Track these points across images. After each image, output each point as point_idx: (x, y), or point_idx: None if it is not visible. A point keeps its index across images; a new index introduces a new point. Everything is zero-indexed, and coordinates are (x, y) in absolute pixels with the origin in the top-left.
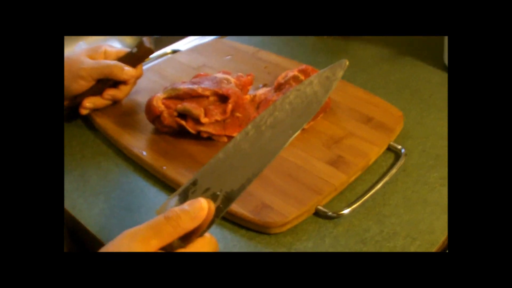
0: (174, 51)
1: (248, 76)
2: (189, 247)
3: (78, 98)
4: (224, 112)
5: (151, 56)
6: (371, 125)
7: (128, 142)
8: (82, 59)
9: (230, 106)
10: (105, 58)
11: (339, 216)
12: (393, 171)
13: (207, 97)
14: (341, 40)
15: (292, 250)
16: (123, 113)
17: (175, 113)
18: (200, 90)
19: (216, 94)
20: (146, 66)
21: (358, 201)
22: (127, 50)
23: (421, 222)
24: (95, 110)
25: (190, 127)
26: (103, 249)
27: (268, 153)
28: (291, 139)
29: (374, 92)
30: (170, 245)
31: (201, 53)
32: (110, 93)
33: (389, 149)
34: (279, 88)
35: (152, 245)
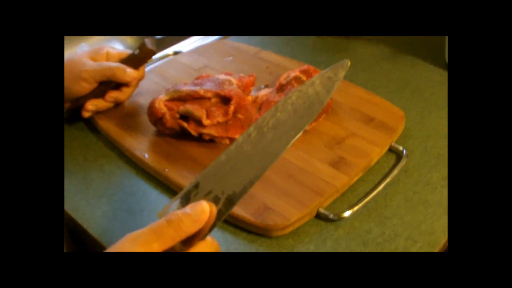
0: (176, 53)
1: (250, 77)
2: (191, 250)
3: (81, 101)
4: (226, 113)
5: (153, 57)
6: (373, 125)
7: (130, 144)
8: (84, 61)
9: (232, 108)
10: (107, 60)
11: (340, 219)
12: (395, 172)
13: (209, 98)
14: (342, 40)
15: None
16: (125, 115)
17: (177, 115)
18: (202, 92)
19: (218, 95)
20: (148, 67)
21: (360, 202)
22: (129, 52)
23: (422, 223)
24: (97, 112)
25: (192, 129)
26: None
27: (270, 154)
28: (293, 140)
29: (375, 91)
30: (172, 249)
31: (202, 54)
32: (113, 95)
33: (391, 150)
34: (281, 89)
35: (154, 249)
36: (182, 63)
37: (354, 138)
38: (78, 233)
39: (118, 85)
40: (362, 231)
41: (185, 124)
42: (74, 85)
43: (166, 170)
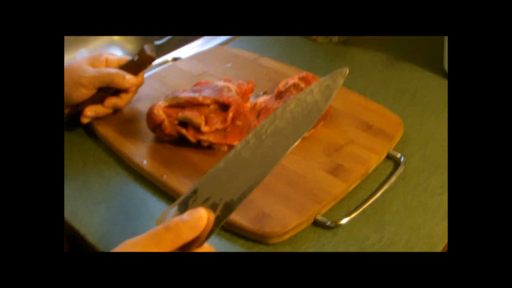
0: (175, 59)
1: (249, 83)
2: None
3: (80, 106)
4: (224, 120)
5: (152, 63)
6: (371, 132)
7: (129, 150)
8: (83, 67)
9: (230, 115)
10: (107, 66)
11: (338, 226)
12: (392, 179)
13: (208, 105)
14: (340, 46)
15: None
16: (124, 121)
17: (176, 122)
18: (201, 99)
19: (217, 102)
20: (147, 73)
21: (357, 209)
22: (129, 58)
23: (420, 229)
24: (96, 118)
25: (190, 135)
26: None
27: (268, 162)
28: (291, 148)
29: (373, 98)
30: None
31: (202, 60)
32: (112, 101)
33: (389, 156)
34: (279, 96)
35: None
36: (182, 69)
37: (352, 145)
38: (77, 240)
39: (117, 91)
40: (360, 238)
41: (183, 131)
42: (73, 91)
43: (165, 176)
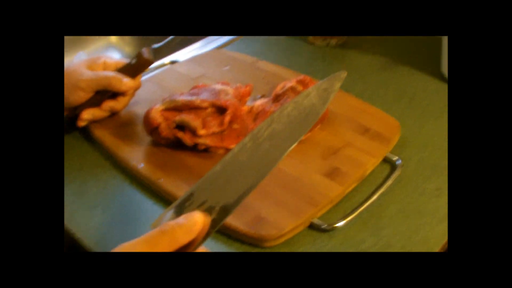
0: (173, 62)
1: (247, 87)
2: None
3: (77, 109)
4: (221, 123)
5: (150, 66)
6: (368, 135)
7: (125, 154)
8: (81, 70)
9: (227, 118)
10: (104, 69)
11: (334, 229)
12: (389, 182)
13: (205, 108)
14: (338, 49)
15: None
16: (122, 125)
17: (173, 125)
18: (198, 102)
19: (214, 105)
20: (145, 76)
21: (354, 213)
22: (126, 61)
23: (416, 233)
24: (93, 121)
25: (187, 139)
26: None
27: (265, 165)
28: (288, 151)
29: (371, 101)
30: None
31: (199, 63)
32: (109, 104)
33: (386, 160)
34: (277, 99)
35: None
36: (179, 72)
37: (349, 149)
38: (73, 243)
39: (114, 95)
40: (355, 241)
41: (180, 134)
42: (70, 94)
43: (161, 180)
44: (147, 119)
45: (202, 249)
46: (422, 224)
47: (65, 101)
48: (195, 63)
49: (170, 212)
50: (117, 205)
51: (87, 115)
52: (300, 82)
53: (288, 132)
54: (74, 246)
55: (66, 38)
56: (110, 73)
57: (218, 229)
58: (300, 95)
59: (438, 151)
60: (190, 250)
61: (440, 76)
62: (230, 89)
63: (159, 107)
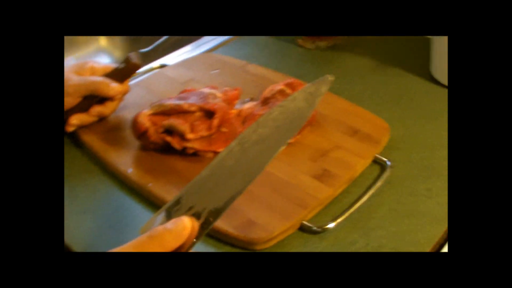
0: (162, 66)
1: (235, 90)
2: None
3: (65, 115)
4: (210, 127)
5: (139, 71)
6: (357, 137)
7: (114, 159)
8: (68, 75)
9: (216, 122)
10: (92, 74)
11: (324, 230)
12: (379, 183)
13: (193, 112)
14: (328, 52)
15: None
16: (110, 129)
17: (161, 130)
18: (186, 106)
19: (202, 109)
20: (133, 81)
21: (344, 214)
22: (114, 65)
23: (406, 234)
24: (82, 126)
25: (176, 143)
26: None
27: (252, 169)
28: (275, 155)
29: (360, 103)
30: None
31: (189, 67)
32: (97, 109)
33: (375, 161)
34: (265, 102)
35: None
36: (168, 76)
37: (338, 151)
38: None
39: (102, 100)
40: (346, 243)
41: (169, 138)
42: None
43: (150, 184)
44: (135, 124)
45: None
46: (413, 225)
47: None
48: (184, 67)
49: (158, 217)
50: (107, 211)
51: (75, 120)
52: (289, 85)
53: (275, 136)
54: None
55: None
56: (98, 78)
57: (207, 233)
58: (286, 99)
59: (427, 152)
60: None
61: (429, 77)
62: (218, 93)
63: (147, 111)
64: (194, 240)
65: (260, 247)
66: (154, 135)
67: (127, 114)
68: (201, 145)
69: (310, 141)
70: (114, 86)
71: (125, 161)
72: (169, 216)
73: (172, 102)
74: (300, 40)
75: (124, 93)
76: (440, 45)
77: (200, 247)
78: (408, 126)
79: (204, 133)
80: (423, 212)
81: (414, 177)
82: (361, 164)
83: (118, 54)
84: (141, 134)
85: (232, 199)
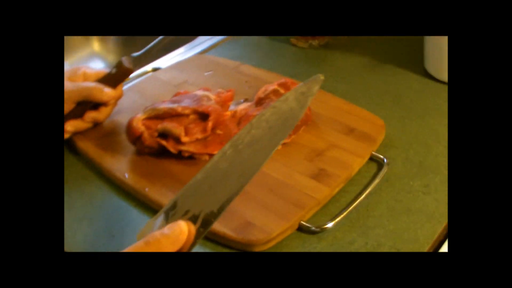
0: (155, 69)
1: (229, 91)
2: None
3: None
4: (204, 130)
5: (132, 75)
6: (353, 135)
7: (110, 165)
8: None
9: (210, 124)
10: (85, 80)
11: (323, 230)
12: (376, 181)
13: (187, 115)
14: (321, 51)
15: None
16: (105, 135)
17: (156, 134)
18: (179, 109)
19: (196, 112)
20: (127, 85)
21: (342, 213)
22: (107, 70)
23: (405, 232)
24: (77, 133)
25: (171, 146)
26: None
27: (247, 171)
28: (269, 157)
29: (355, 101)
30: None
31: (182, 70)
32: (91, 115)
33: (372, 159)
34: (259, 102)
35: None
36: (161, 80)
37: (334, 150)
38: None
39: (96, 105)
40: (345, 242)
41: (163, 142)
42: None
43: (147, 189)
44: (129, 129)
45: None
46: (411, 222)
47: None
48: (177, 70)
49: (154, 223)
50: (104, 217)
51: (70, 127)
52: (282, 85)
53: (268, 137)
54: None
55: None
56: (91, 84)
57: (205, 236)
58: (278, 100)
59: (423, 149)
60: None
61: (423, 74)
62: (212, 95)
63: (140, 116)
64: (192, 244)
65: (258, 249)
66: (149, 139)
67: (122, 119)
68: (196, 148)
69: (306, 140)
70: (107, 91)
71: (121, 166)
72: (165, 221)
73: (166, 105)
74: (293, 39)
75: (118, 98)
76: (434, 39)
77: (197, 251)
78: (404, 122)
79: (199, 135)
80: (421, 209)
81: (411, 174)
82: (358, 162)
83: (112, 58)
84: (135, 138)
85: (228, 201)
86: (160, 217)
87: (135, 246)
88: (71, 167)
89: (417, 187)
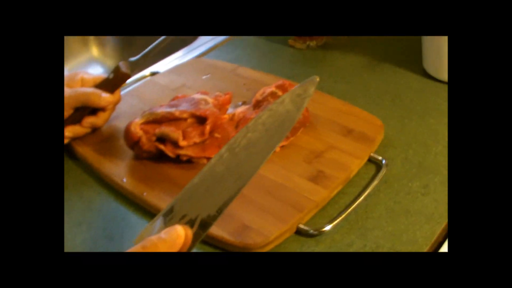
0: (153, 73)
1: (226, 95)
2: None
3: None
4: (202, 133)
5: (130, 80)
6: (352, 137)
7: (108, 169)
8: None
9: (208, 128)
10: (82, 85)
11: (321, 233)
12: (375, 182)
13: (185, 119)
14: (319, 51)
15: None
16: (103, 140)
17: (154, 138)
18: (177, 113)
19: (193, 116)
20: (125, 90)
21: (340, 216)
22: (104, 76)
23: (404, 234)
24: (75, 138)
25: (169, 151)
26: None
27: (243, 175)
28: (266, 159)
29: (354, 101)
30: None
31: (179, 73)
32: (89, 120)
33: (370, 160)
34: (257, 105)
35: None
36: (159, 84)
37: (333, 151)
38: None
39: (94, 110)
40: (343, 245)
41: (161, 147)
42: None
43: (145, 193)
44: (127, 133)
45: None
46: (410, 224)
47: None
48: (175, 74)
49: (151, 227)
50: (102, 222)
51: (68, 132)
52: (280, 87)
53: (265, 140)
54: None
55: None
56: (89, 89)
57: (202, 240)
58: (274, 103)
59: (423, 148)
60: None
61: (422, 73)
62: (209, 98)
63: (138, 120)
64: (189, 248)
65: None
66: (147, 143)
67: (120, 124)
68: (195, 151)
69: (304, 142)
70: (105, 97)
71: (119, 171)
72: (165, 224)
73: (163, 109)
74: (291, 40)
75: (116, 103)
76: (431, 39)
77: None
78: (403, 122)
79: (197, 139)
80: (420, 210)
81: (410, 175)
82: (356, 164)
83: (110, 63)
84: (134, 143)
85: (224, 205)
86: (158, 221)
87: (132, 251)
88: (70, 172)
89: (416, 188)
